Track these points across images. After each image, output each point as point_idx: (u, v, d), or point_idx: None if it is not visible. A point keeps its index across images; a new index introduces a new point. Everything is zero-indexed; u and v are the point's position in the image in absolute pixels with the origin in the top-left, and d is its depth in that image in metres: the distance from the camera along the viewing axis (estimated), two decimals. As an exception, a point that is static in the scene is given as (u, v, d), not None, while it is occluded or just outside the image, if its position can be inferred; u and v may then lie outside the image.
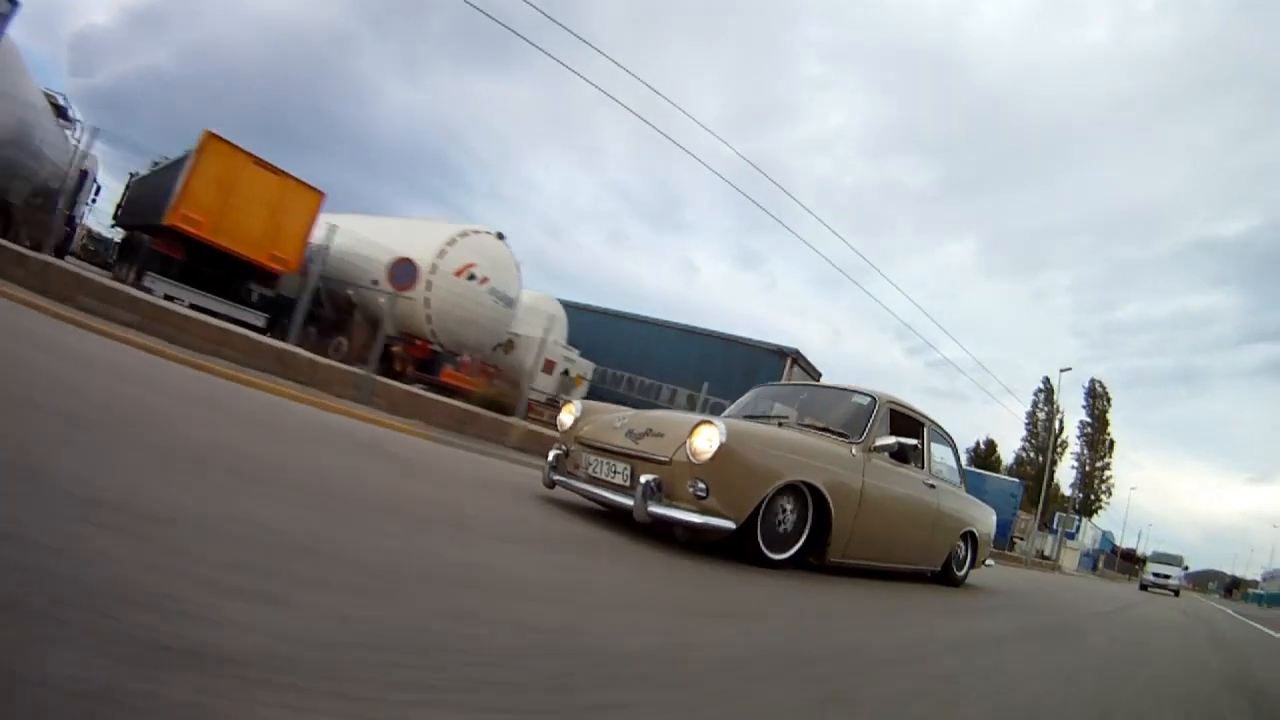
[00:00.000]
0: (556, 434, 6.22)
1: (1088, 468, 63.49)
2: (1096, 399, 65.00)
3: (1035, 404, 62.60)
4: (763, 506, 4.75)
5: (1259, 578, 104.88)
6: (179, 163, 15.56)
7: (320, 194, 16.75)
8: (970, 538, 7.78)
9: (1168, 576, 41.26)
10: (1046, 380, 62.48)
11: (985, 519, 8.13)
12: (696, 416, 5.27)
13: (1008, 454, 65.36)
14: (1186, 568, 47.77)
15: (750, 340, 21.04)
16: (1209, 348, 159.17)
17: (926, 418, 7.00)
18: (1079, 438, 64.22)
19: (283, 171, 16.12)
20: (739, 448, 4.64)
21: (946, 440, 7.46)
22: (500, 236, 17.76)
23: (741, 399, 7.34)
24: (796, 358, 19.82)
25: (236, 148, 15.20)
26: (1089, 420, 64.10)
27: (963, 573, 7.81)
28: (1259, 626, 16.66)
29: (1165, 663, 5.76)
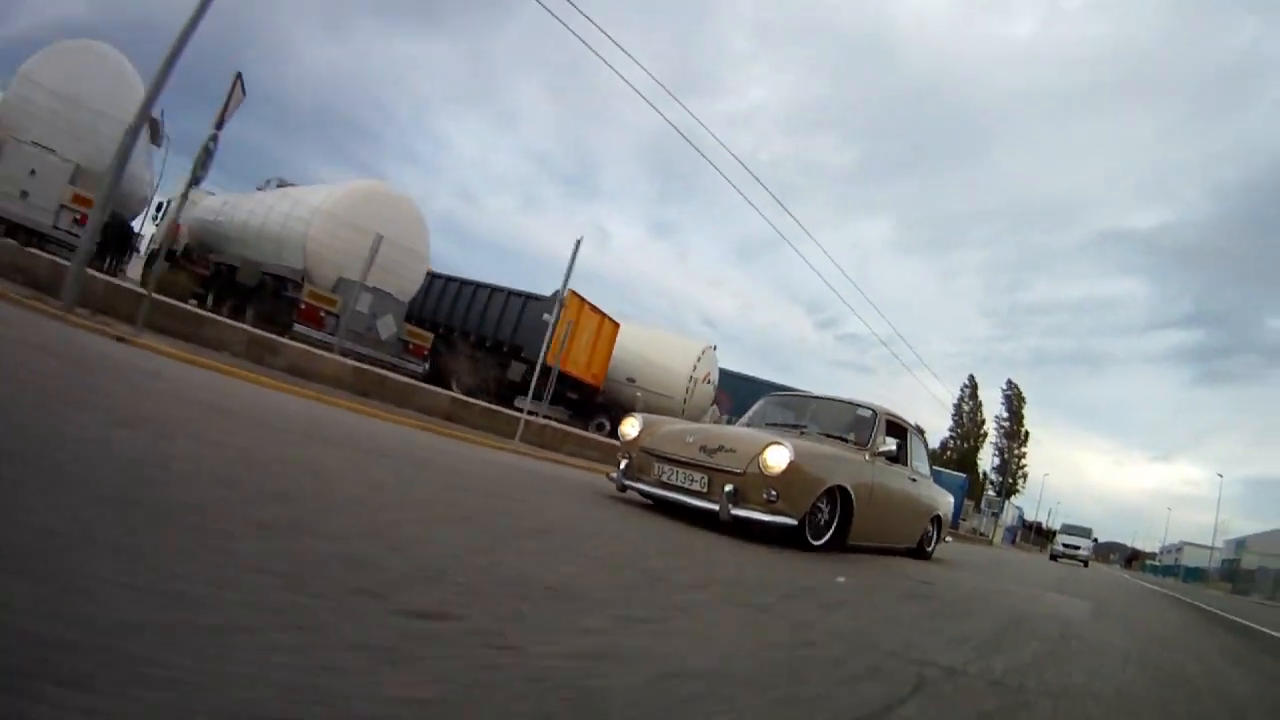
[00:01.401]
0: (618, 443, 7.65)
1: (1006, 456, 71.43)
2: (1013, 398, 72.80)
3: (961, 398, 69.34)
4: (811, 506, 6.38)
5: (1157, 550, 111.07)
6: (544, 304, 19.64)
7: (618, 325, 22.52)
8: (936, 520, 9.66)
9: (1077, 548, 43.11)
10: (971, 377, 71.10)
11: (946, 504, 10.03)
12: (763, 436, 6.77)
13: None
14: (1096, 540, 50.68)
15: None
16: (1115, 332, 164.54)
17: (908, 423, 8.72)
18: (998, 430, 73.81)
19: (601, 311, 21.59)
20: (803, 463, 6.21)
21: (921, 439, 9.23)
22: (714, 348, 25.88)
23: (757, 407, 8.93)
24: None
25: (580, 298, 20.34)
26: (1007, 416, 71.76)
27: (931, 548, 9.72)
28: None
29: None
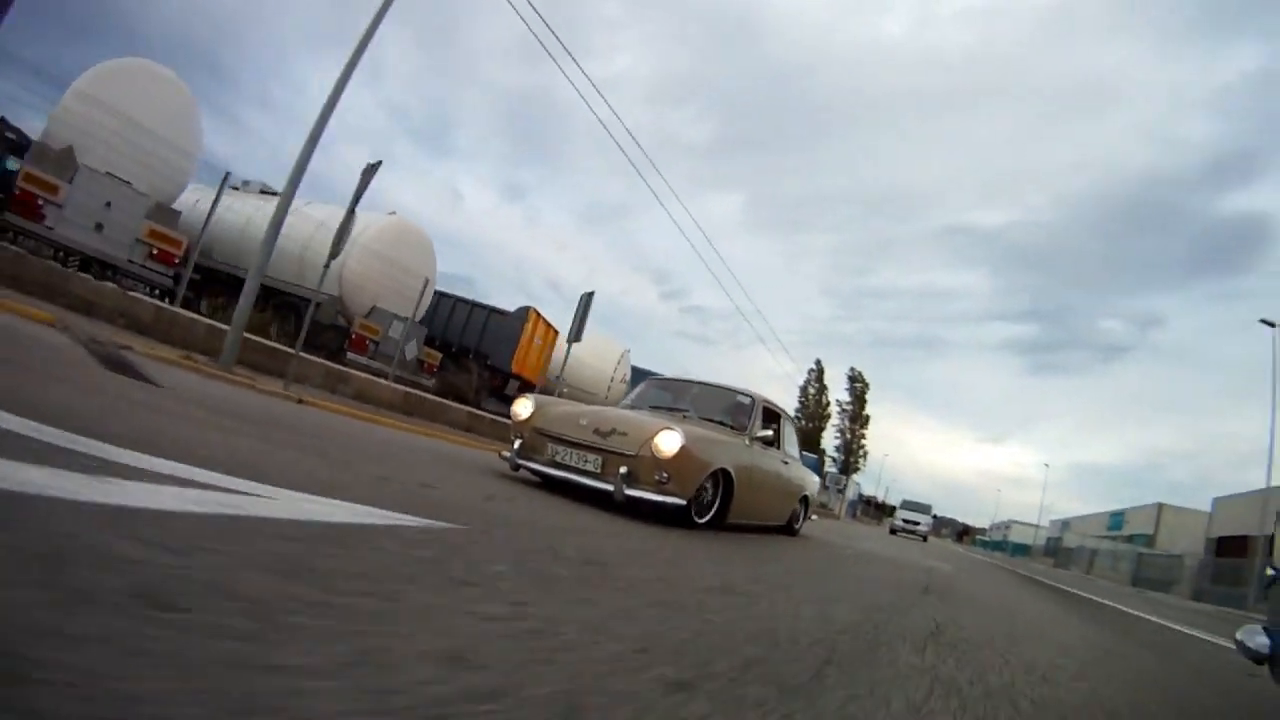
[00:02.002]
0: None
1: (849, 436, 75.02)
2: (855, 383, 77.16)
3: (808, 380, 72.81)
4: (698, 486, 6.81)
5: (986, 526, 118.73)
6: (508, 319, 24.86)
7: (557, 332, 25.60)
8: (805, 500, 10.38)
9: (917, 523, 44.80)
10: (818, 362, 74.78)
11: (813, 484, 10.73)
12: (654, 420, 7.16)
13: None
14: (935, 516, 53.53)
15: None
16: (954, 320, 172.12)
17: (782, 410, 9.38)
18: (840, 413, 77.97)
19: (548, 321, 25.69)
20: (693, 448, 6.63)
21: (793, 425, 9.91)
22: (628, 351, 32.08)
23: (639, 390, 9.39)
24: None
25: (539, 314, 25.19)
26: (850, 400, 75.86)
27: (799, 526, 10.38)
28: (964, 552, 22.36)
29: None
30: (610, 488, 6.51)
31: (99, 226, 15.13)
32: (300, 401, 10.26)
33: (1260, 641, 3.00)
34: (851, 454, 77.26)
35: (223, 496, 2.76)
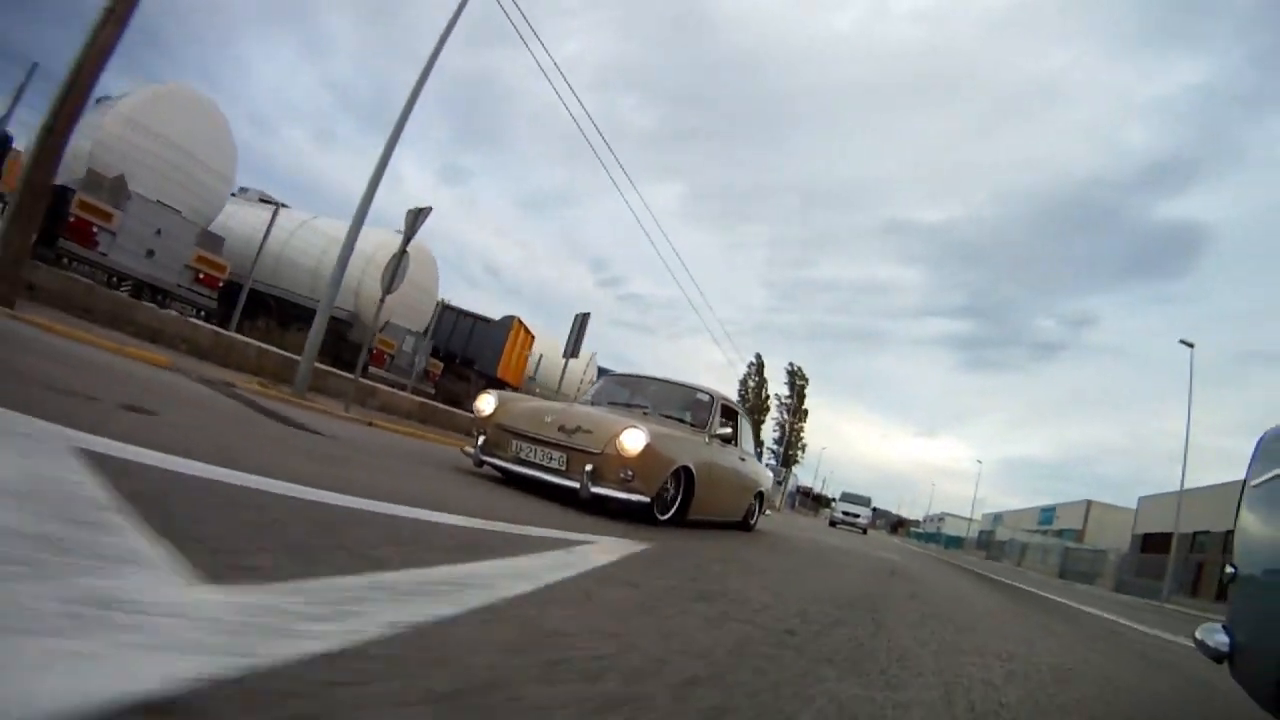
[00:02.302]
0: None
1: (788, 430, 75.60)
2: (795, 377, 78.08)
3: (748, 374, 73.83)
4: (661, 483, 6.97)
5: (920, 519, 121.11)
6: (493, 326, 26.43)
7: (533, 337, 27.91)
8: (760, 496, 10.50)
9: (856, 515, 44.66)
10: (759, 356, 75.81)
11: (767, 480, 11.16)
12: (618, 418, 7.24)
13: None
14: (875, 509, 54.10)
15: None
16: (892, 314, 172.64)
17: (740, 407, 9.57)
18: (779, 407, 78.53)
19: (526, 327, 27.29)
20: (657, 446, 6.76)
21: (750, 422, 10.05)
22: (595, 354, 33.42)
23: (598, 386, 9.55)
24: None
25: (521, 322, 27.00)
26: (789, 395, 76.90)
27: (754, 521, 10.56)
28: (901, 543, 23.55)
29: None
30: (575, 485, 6.60)
31: (150, 253, 15.69)
32: (370, 424, 11.26)
33: (1219, 640, 3.02)
34: (790, 447, 78.42)
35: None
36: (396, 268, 12.89)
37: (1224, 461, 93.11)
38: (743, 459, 9.45)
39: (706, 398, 8.75)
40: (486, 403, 7.59)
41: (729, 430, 8.63)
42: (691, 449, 7.52)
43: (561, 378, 21.01)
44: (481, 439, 7.35)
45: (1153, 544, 41.06)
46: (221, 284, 17.65)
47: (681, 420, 8.29)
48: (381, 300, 13.25)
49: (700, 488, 7.54)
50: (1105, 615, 12.15)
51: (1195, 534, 38.22)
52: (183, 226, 16.42)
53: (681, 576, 4.24)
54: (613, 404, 8.61)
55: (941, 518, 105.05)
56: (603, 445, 6.73)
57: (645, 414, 8.13)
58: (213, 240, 17.69)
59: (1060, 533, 59.10)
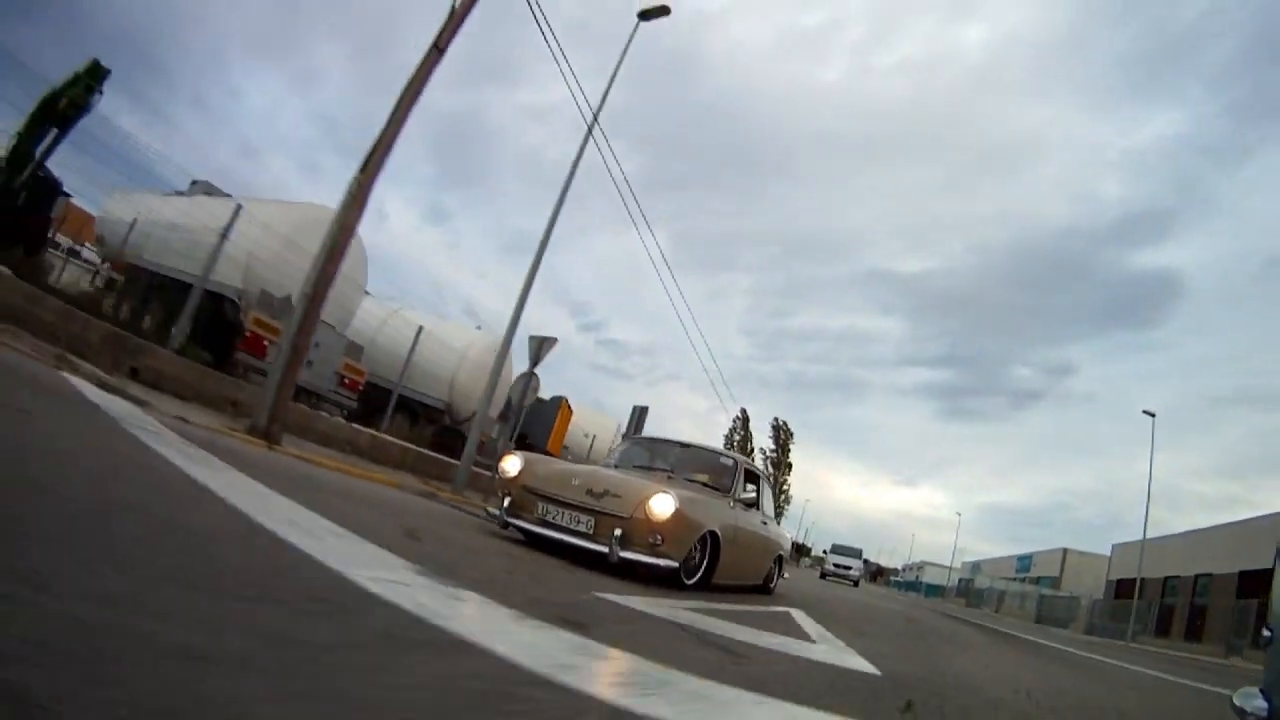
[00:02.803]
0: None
1: (773, 483, 73.53)
2: (779, 431, 77.40)
3: (733, 428, 72.13)
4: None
5: (900, 567, 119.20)
6: (545, 405, 25.88)
7: (572, 412, 28.80)
8: (779, 559, 9.67)
9: (849, 567, 41.73)
10: (744, 410, 74.13)
11: (787, 544, 10.33)
12: (646, 483, 6.71)
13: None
14: (866, 560, 51.72)
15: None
16: (871, 364, 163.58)
17: (761, 471, 9.22)
18: (764, 460, 76.66)
19: (570, 408, 28.43)
20: (686, 511, 6.23)
21: (770, 486, 9.38)
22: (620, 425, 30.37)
23: (621, 449, 8.96)
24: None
25: (567, 402, 28.16)
26: (774, 448, 76.27)
27: (774, 584, 9.60)
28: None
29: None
30: (603, 549, 6.09)
31: (309, 363, 16.22)
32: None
33: (1258, 705, 2.85)
34: (776, 499, 75.51)
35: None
36: (526, 386, 14.55)
37: (1199, 504, 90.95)
38: (764, 523, 8.76)
39: (730, 462, 8.22)
40: (512, 464, 7.04)
41: (752, 494, 8.05)
42: (717, 513, 6.96)
43: (590, 447, 20.81)
44: (507, 500, 6.81)
45: (1125, 589, 40.22)
46: (362, 387, 18.75)
47: (705, 485, 7.70)
48: (518, 421, 16.25)
49: (725, 552, 6.92)
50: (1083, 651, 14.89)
51: (1165, 578, 37.54)
52: (334, 338, 17.28)
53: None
54: (636, 467, 8.10)
55: (920, 566, 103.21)
56: (631, 510, 6.20)
57: (670, 478, 7.58)
58: (355, 349, 18.86)
59: (1037, 580, 57.81)
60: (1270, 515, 33.35)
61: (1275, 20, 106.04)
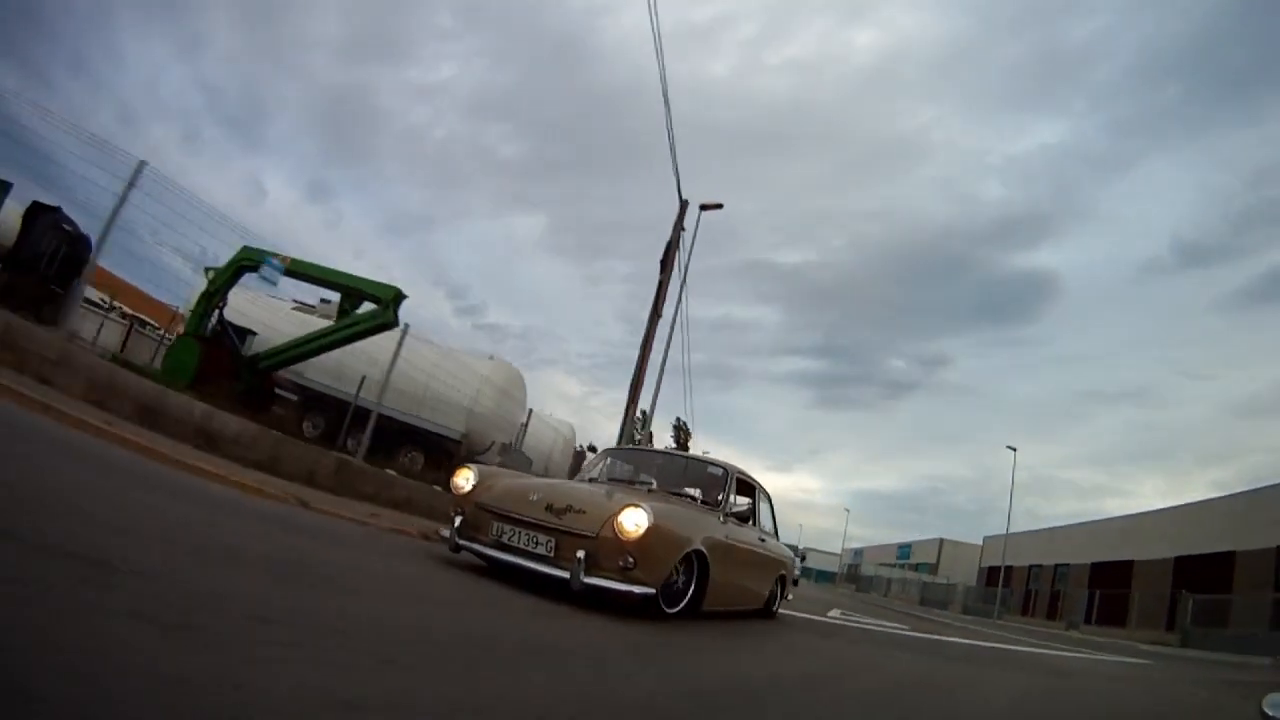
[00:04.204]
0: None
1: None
2: (680, 431, 72.67)
3: (635, 426, 66.91)
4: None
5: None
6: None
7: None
8: (781, 579, 6.92)
9: None
10: (644, 411, 67.51)
11: (790, 563, 7.29)
12: (616, 495, 4.57)
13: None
14: None
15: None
16: (748, 352, 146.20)
17: (757, 482, 6.36)
18: None
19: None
20: (662, 528, 4.05)
21: (767, 498, 6.68)
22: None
23: (600, 463, 6.38)
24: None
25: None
26: (675, 447, 71.49)
27: (776, 607, 6.88)
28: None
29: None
30: (565, 574, 3.96)
31: None
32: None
33: None
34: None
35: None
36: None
37: (1070, 491, 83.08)
38: (762, 539, 6.22)
39: (720, 472, 5.88)
40: (465, 478, 4.82)
41: (746, 506, 5.84)
42: (704, 529, 4.75)
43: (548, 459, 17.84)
44: (459, 519, 4.61)
45: (995, 576, 39.24)
46: None
47: (691, 498, 5.46)
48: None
49: (716, 574, 4.73)
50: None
51: (1030, 566, 36.58)
52: (526, 464, 15.90)
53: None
54: (614, 480, 5.85)
55: (804, 554, 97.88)
56: (598, 527, 4.05)
57: (650, 491, 5.35)
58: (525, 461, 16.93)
59: (916, 566, 56.09)
60: (1119, 517, 33.04)
61: (1161, 43, 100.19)
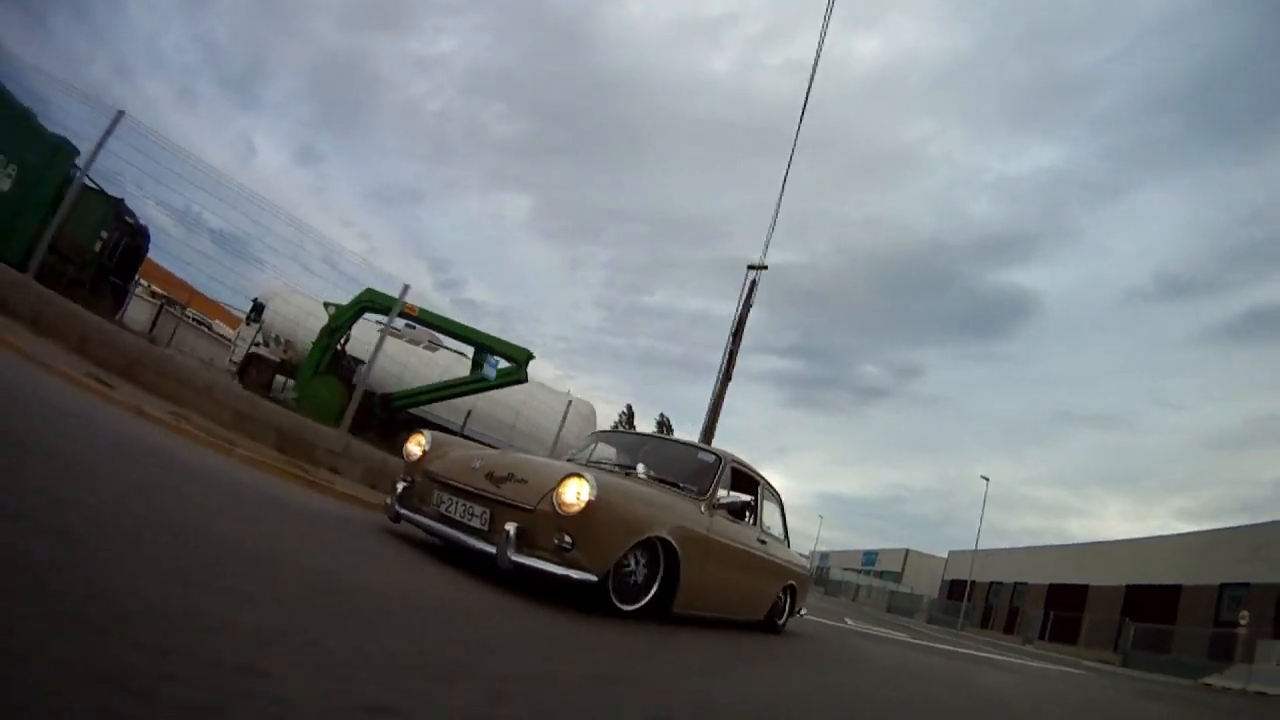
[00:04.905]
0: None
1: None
2: (662, 427, 68.66)
3: (618, 422, 58.94)
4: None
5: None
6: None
7: None
8: (790, 589, 5.43)
9: None
10: (630, 406, 59.78)
11: (803, 572, 5.81)
12: (562, 465, 3.55)
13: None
14: None
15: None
16: (721, 347, 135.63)
17: (760, 476, 5.01)
18: None
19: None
20: (608, 503, 3.02)
21: (775, 497, 5.38)
22: None
23: (584, 445, 5.13)
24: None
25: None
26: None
27: (782, 621, 5.37)
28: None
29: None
30: (494, 550, 2.99)
31: None
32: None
33: None
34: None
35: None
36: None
37: (1032, 509, 74.93)
38: (763, 540, 4.85)
39: (711, 458, 4.57)
40: (419, 444, 3.85)
41: (741, 501, 4.38)
42: (676, 517, 3.60)
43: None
44: (402, 486, 3.66)
45: (957, 589, 37.85)
46: None
47: (676, 485, 4.13)
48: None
49: (690, 571, 3.59)
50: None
51: (990, 583, 35.22)
52: None
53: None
54: (593, 464, 4.44)
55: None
56: (537, 499, 3.06)
57: (628, 474, 4.07)
58: None
59: (881, 574, 54.06)
60: (1078, 544, 31.88)
61: (1164, 76, 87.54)
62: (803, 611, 5.93)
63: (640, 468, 4.16)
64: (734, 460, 4.54)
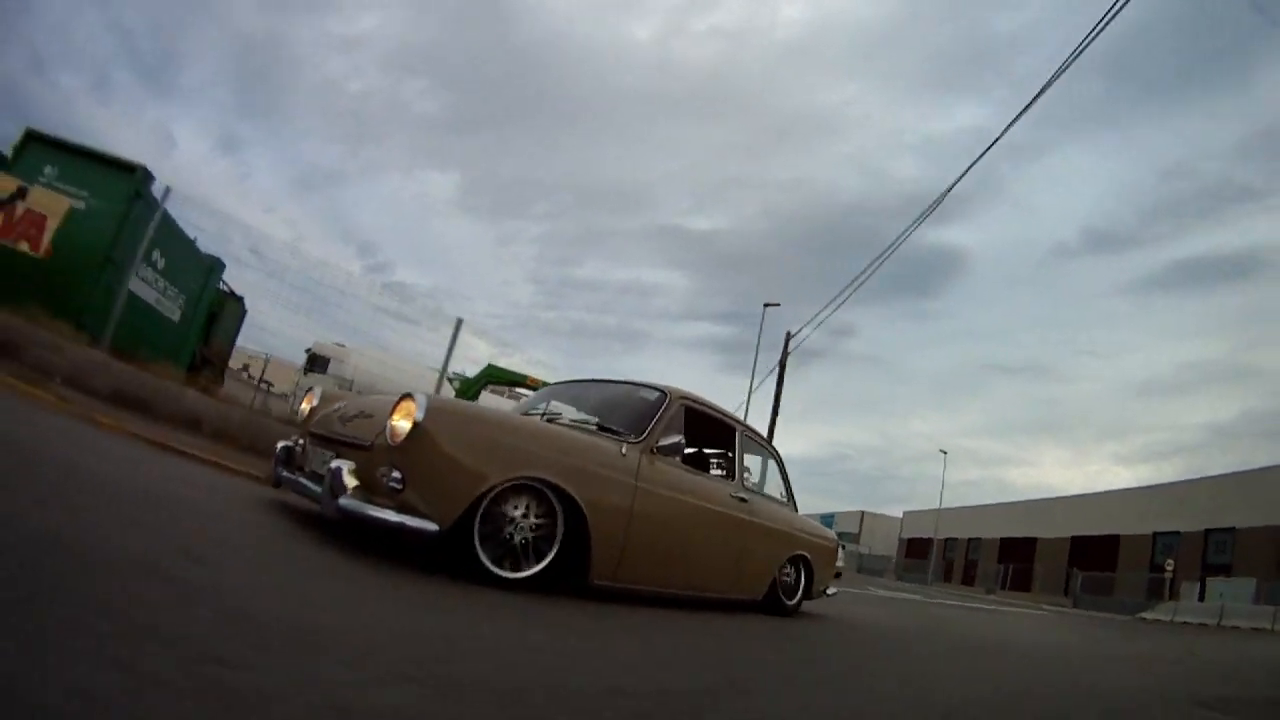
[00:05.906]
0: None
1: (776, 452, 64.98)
2: None
3: None
4: (481, 508, 2.04)
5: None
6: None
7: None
8: (803, 562, 3.89)
9: None
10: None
11: (822, 542, 4.12)
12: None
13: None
14: None
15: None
16: (655, 316, 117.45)
17: (739, 422, 3.57)
18: None
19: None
20: (439, 428, 1.97)
21: (766, 450, 3.92)
22: None
23: (536, 397, 3.76)
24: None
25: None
26: None
27: (794, 601, 3.85)
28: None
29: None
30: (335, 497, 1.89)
31: None
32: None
33: None
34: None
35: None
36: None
37: (972, 460, 66.99)
38: (742, 498, 3.29)
39: (654, 395, 3.01)
40: (309, 403, 2.82)
41: (674, 441, 2.83)
42: (577, 458, 2.37)
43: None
44: (280, 447, 2.59)
45: (914, 547, 36.53)
46: None
47: (600, 427, 2.85)
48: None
49: (605, 528, 2.38)
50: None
51: (947, 539, 33.98)
52: None
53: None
54: (528, 415, 3.11)
55: None
56: (374, 434, 1.99)
57: (555, 421, 2.88)
58: None
59: (840, 535, 52.17)
60: (1025, 501, 30.74)
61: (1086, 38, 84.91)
62: (830, 591, 4.24)
63: (565, 410, 3.04)
64: (691, 399, 3.07)
